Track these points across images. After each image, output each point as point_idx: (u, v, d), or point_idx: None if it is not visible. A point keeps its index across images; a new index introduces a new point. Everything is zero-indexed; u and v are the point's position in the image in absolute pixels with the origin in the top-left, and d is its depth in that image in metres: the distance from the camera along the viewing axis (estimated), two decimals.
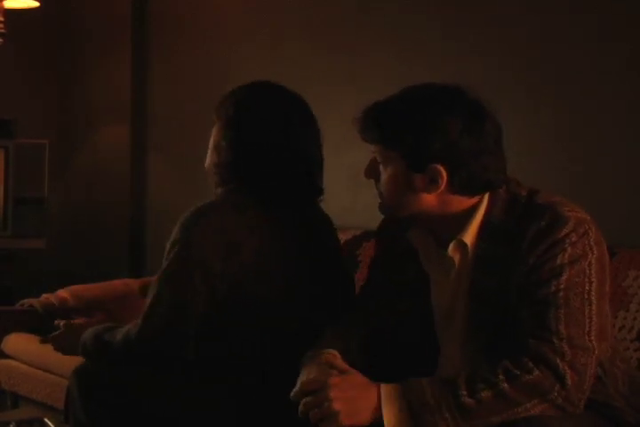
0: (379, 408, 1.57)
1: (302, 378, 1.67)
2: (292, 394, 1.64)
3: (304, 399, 1.60)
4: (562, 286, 1.61)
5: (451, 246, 1.74)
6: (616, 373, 1.73)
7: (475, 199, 1.73)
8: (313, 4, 3.51)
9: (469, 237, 1.72)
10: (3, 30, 3.83)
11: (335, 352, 1.74)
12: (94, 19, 4.58)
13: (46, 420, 2.62)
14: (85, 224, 4.54)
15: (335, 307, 2.06)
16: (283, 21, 3.63)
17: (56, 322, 2.33)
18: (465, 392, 1.55)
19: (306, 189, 2.12)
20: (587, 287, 1.62)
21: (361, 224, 3.04)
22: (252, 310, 2.01)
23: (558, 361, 1.57)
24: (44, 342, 2.34)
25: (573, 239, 1.63)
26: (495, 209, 1.71)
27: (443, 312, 1.80)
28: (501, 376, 1.56)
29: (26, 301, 3.41)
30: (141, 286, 3.30)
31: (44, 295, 3.39)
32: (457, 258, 1.74)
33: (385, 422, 1.57)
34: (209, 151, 2.15)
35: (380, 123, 1.71)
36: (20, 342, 3.39)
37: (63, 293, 3.41)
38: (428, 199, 1.71)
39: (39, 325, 3.23)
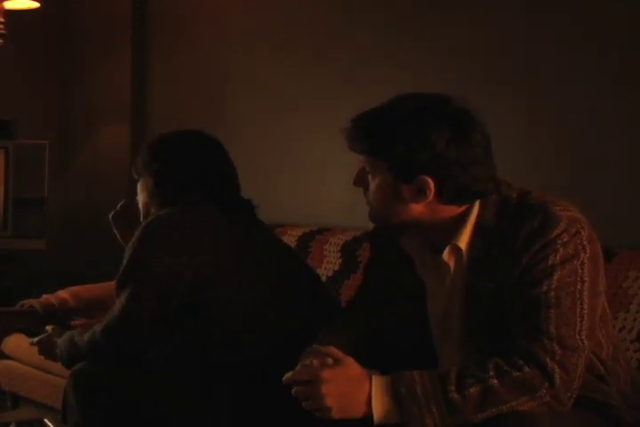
0: (370, 401, 1.59)
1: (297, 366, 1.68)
2: (284, 378, 1.65)
3: (295, 388, 1.62)
4: (553, 286, 1.62)
5: (445, 252, 1.74)
6: (619, 371, 1.74)
7: (465, 206, 1.73)
8: (313, 4, 3.51)
9: (463, 241, 1.72)
10: (3, 31, 3.83)
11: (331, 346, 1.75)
12: (94, 19, 4.58)
13: (46, 420, 2.61)
14: (85, 224, 4.54)
15: (305, 299, 2.17)
16: (283, 21, 3.63)
17: (46, 327, 2.38)
18: (453, 387, 1.57)
19: (237, 199, 2.28)
20: (578, 287, 1.63)
21: (361, 224, 3.02)
22: (223, 310, 2.08)
23: (548, 360, 1.58)
24: (31, 344, 2.37)
25: (565, 239, 1.63)
26: (487, 212, 1.72)
27: (439, 316, 1.80)
28: (491, 372, 1.57)
29: (26, 301, 3.41)
30: None
31: (44, 296, 3.39)
32: (452, 263, 1.75)
33: (374, 414, 1.59)
34: (139, 198, 2.29)
35: (367, 133, 1.72)
36: (20, 343, 3.38)
37: (63, 293, 3.41)
38: (417, 209, 1.71)
39: (39, 325, 3.23)
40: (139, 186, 2.30)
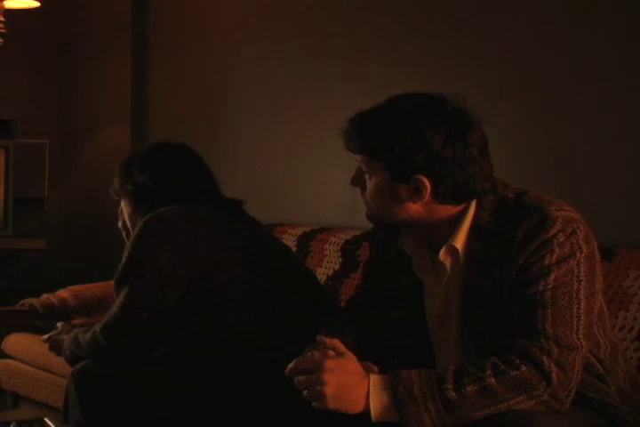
0: (368, 398, 1.59)
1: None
2: (286, 370, 1.65)
3: (297, 378, 1.62)
4: (549, 286, 1.63)
5: (442, 252, 1.74)
6: (617, 370, 1.74)
7: (462, 206, 1.73)
8: (313, 4, 3.52)
9: (460, 241, 1.72)
10: (3, 30, 3.83)
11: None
12: (94, 18, 4.58)
13: (46, 420, 2.61)
14: (85, 224, 4.54)
15: (302, 296, 2.18)
16: (283, 21, 3.63)
17: (57, 324, 2.40)
18: (451, 386, 1.57)
19: (221, 196, 2.32)
20: (575, 286, 1.63)
21: (361, 224, 3.03)
22: (220, 306, 2.10)
23: (545, 359, 1.59)
24: (43, 341, 2.39)
25: (561, 239, 1.63)
26: (483, 212, 1.72)
27: (437, 315, 1.81)
28: (488, 371, 1.58)
29: (26, 301, 3.42)
30: None
31: (45, 295, 3.40)
32: (448, 263, 1.75)
33: (371, 412, 1.59)
34: (125, 216, 2.31)
35: (363, 133, 1.72)
36: (20, 342, 3.39)
37: (63, 293, 3.42)
38: (414, 208, 1.71)
39: (39, 325, 3.24)
40: (121, 206, 2.33)
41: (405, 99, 1.72)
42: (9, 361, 3.41)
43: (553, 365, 1.59)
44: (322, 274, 2.99)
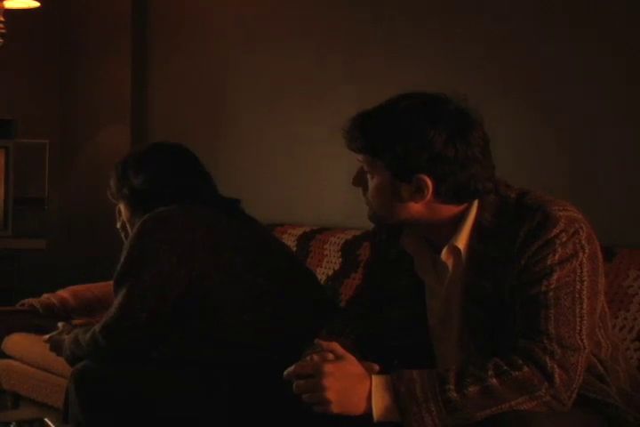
0: (370, 398, 1.59)
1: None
2: (285, 373, 1.65)
3: (297, 382, 1.62)
4: (552, 286, 1.62)
5: (444, 252, 1.74)
6: (618, 370, 1.74)
7: (463, 206, 1.73)
8: (313, 4, 3.52)
9: (462, 241, 1.72)
10: (3, 30, 3.83)
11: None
12: (94, 18, 4.58)
13: (46, 420, 2.62)
14: (85, 224, 4.54)
15: (301, 296, 2.19)
16: (283, 21, 3.63)
17: (58, 324, 2.40)
18: (452, 386, 1.57)
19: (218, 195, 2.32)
20: (577, 286, 1.63)
21: (361, 224, 3.04)
22: (219, 306, 2.10)
23: (547, 360, 1.58)
24: (45, 341, 2.39)
25: (564, 239, 1.63)
26: (485, 212, 1.72)
27: (438, 315, 1.80)
28: (490, 372, 1.58)
29: (26, 301, 3.42)
30: None
31: (45, 295, 3.40)
32: (450, 263, 1.75)
33: (374, 412, 1.59)
34: (124, 218, 2.32)
35: (365, 133, 1.72)
36: (20, 342, 3.39)
37: (63, 293, 3.42)
38: (416, 208, 1.71)
39: (40, 325, 3.24)
40: (119, 209, 2.33)
41: (407, 98, 1.72)
42: (9, 361, 3.41)
43: (556, 365, 1.58)
44: (322, 274, 2.99)
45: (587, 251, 1.65)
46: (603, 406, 1.68)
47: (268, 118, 3.68)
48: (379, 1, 3.23)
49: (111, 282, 2.16)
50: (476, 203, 1.73)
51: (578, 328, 1.62)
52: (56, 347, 2.32)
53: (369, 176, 1.75)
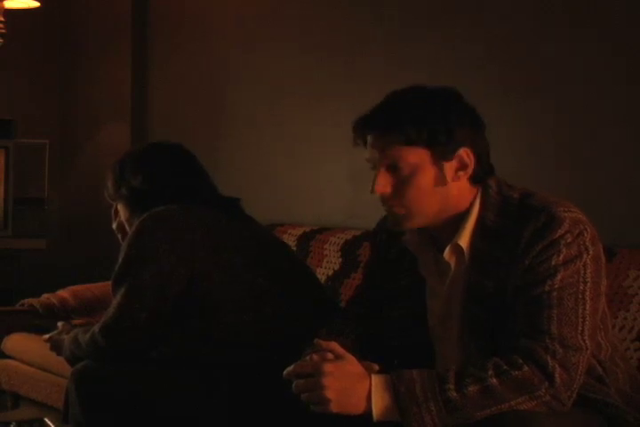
0: (370, 398, 1.59)
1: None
2: (284, 372, 1.65)
3: (296, 381, 1.62)
4: (556, 286, 1.63)
5: (447, 250, 1.74)
6: (616, 371, 1.74)
7: (470, 197, 1.73)
8: (313, 4, 3.52)
9: (464, 240, 1.72)
10: (3, 30, 3.83)
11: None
12: (94, 18, 4.59)
13: (46, 420, 2.62)
14: (85, 224, 4.54)
15: (301, 296, 2.18)
16: (283, 21, 3.63)
17: (58, 324, 2.39)
18: (452, 386, 1.57)
19: (218, 195, 2.31)
20: (581, 287, 1.63)
21: (361, 224, 3.04)
22: (219, 305, 2.09)
23: (549, 359, 1.58)
24: (45, 341, 2.39)
25: (569, 240, 1.63)
26: (488, 212, 1.72)
27: (439, 315, 1.80)
28: (490, 371, 1.58)
29: (26, 301, 3.42)
30: None
31: (45, 295, 3.40)
32: (453, 262, 1.75)
33: (373, 412, 1.59)
34: (122, 218, 2.30)
35: (400, 122, 1.69)
36: (20, 342, 3.39)
37: (63, 293, 3.42)
38: (454, 190, 1.71)
39: (39, 325, 3.24)
40: (115, 208, 2.32)
41: (413, 88, 1.75)
42: (9, 361, 3.41)
43: (557, 365, 1.58)
44: (322, 274, 2.99)
45: (591, 252, 1.65)
46: (602, 405, 1.68)
47: (267, 118, 3.68)
48: (379, 1, 3.23)
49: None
50: (477, 202, 1.73)
51: (580, 329, 1.62)
52: (56, 346, 2.32)
53: (404, 172, 1.70)
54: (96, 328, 2.12)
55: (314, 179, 3.47)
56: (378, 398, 1.58)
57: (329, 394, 1.57)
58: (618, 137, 2.51)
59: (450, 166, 1.70)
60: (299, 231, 3.21)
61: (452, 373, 1.59)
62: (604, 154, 2.54)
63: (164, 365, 2.10)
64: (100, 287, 3.42)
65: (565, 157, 2.63)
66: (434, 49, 3.00)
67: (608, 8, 2.52)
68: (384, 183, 1.71)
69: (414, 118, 1.68)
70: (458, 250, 1.73)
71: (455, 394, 1.56)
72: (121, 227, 2.31)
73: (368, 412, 1.59)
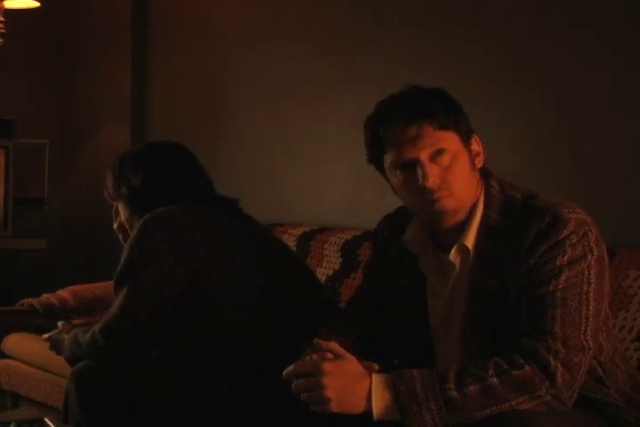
0: (370, 397, 1.59)
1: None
2: (284, 372, 1.65)
3: (296, 381, 1.62)
4: (560, 287, 1.63)
5: (453, 251, 1.74)
6: (616, 372, 1.74)
7: (478, 193, 1.74)
8: (313, 4, 3.52)
9: (470, 240, 1.73)
10: (3, 30, 3.83)
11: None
12: (94, 19, 4.59)
13: (46, 420, 2.62)
14: (85, 224, 4.54)
15: (302, 296, 2.18)
16: (283, 21, 3.63)
17: (58, 323, 2.40)
18: (453, 385, 1.57)
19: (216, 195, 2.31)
20: (585, 288, 1.64)
21: (361, 224, 3.04)
22: (219, 306, 2.09)
23: (551, 359, 1.59)
24: (45, 340, 2.39)
25: (573, 241, 1.64)
26: (491, 212, 1.73)
27: (440, 314, 1.80)
28: (491, 371, 1.58)
29: (26, 301, 3.42)
30: None
31: (45, 295, 3.40)
32: (458, 262, 1.75)
33: (373, 411, 1.59)
34: (122, 218, 2.30)
35: (432, 108, 1.69)
36: (19, 342, 3.39)
37: (63, 293, 3.42)
38: (476, 179, 1.74)
39: (39, 325, 3.24)
40: (118, 208, 2.32)
41: (415, 85, 1.78)
42: (9, 361, 3.41)
43: (559, 365, 1.58)
44: (322, 274, 2.99)
45: (595, 253, 1.66)
46: (603, 405, 1.68)
47: (267, 118, 3.68)
48: (379, 1, 3.23)
49: (111, 282, 2.16)
50: (481, 202, 1.74)
51: (583, 329, 1.62)
52: (55, 346, 2.32)
53: (443, 157, 1.68)
54: (97, 328, 2.12)
55: (314, 179, 3.47)
56: (378, 397, 1.59)
57: (329, 393, 1.57)
58: (618, 137, 2.51)
59: (471, 153, 1.73)
60: (299, 231, 3.21)
61: (452, 372, 1.59)
62: (604, 154, 2.54)
63: (164, 365, 2.10)
64: (100, 287, 3.43)
65: (565, 157, 2.63)
66: (434, 49, 3.00)
67: (608, 8, 2.52)
68: (435, 174, 1.68)
69: (441, 105, 1.71)
70: (464, 250, 1.74)
71: (455, 393, 1.56)
72: (122, 227, 2.31)
73: (368, 411, 1.59)
